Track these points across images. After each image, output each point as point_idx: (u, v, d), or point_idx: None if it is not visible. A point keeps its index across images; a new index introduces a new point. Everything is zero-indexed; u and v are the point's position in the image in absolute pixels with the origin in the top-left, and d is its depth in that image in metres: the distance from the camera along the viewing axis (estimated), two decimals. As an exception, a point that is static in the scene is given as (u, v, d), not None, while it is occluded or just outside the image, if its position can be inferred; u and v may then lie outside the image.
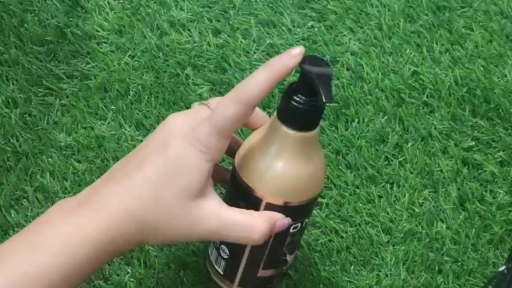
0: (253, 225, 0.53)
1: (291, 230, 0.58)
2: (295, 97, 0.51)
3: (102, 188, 0.53)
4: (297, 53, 0.49)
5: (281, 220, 0.55)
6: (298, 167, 0.54)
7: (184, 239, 0.53)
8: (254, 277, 0.61)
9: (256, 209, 0.55)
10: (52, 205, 0.68)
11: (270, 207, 0.55)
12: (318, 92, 0.49)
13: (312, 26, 0.73)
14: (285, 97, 0.52)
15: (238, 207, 0.55)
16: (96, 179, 0.72)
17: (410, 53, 0.72)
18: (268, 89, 0.50)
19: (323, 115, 0.55)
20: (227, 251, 0.60)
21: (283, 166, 0.54)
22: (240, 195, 0.56)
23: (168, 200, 0.51)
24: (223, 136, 0.51)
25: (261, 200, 0.55)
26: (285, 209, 0.55)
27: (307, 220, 0.59)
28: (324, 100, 0.48)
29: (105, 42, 0.74)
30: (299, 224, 0.58)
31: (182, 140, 0.51)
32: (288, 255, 0.60)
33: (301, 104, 0.51)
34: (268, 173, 0.54)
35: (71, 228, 0.50)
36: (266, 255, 0.59)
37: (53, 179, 0.72)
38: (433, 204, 0.71)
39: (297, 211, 0.56)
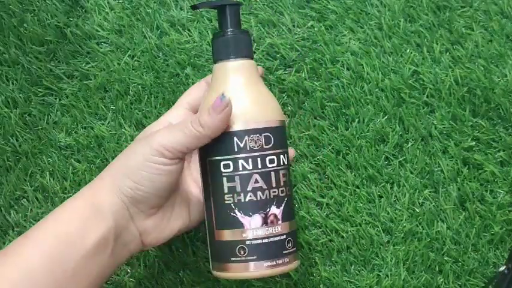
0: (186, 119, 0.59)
1: (222, 170, 0.57)
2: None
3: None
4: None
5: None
6: (239, 94, 0.58)
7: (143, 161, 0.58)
8: (214, 243, 0.58)
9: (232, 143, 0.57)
10: (52, 205, 0.70)
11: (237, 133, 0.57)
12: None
13: (312, 26, 0.73)
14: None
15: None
16: (96, 179, 0.72)
17: (411, 53, 0.72)
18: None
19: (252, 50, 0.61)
20: None
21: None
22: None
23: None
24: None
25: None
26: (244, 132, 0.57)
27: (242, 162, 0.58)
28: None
29: (105, 42, 0.74)
30: (230, 163, 0.57)
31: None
32: (238, 213, 0.57)
33: (215, 36, 0.60)
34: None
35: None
36: (213, 207, 0.58)
37: (53, 179, 0.72)
38: (434, 204, 0.71)
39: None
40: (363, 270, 0.70)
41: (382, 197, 0.71)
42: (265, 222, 0.57)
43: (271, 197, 0.57)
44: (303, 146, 0.71)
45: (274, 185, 0.58)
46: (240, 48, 0.59)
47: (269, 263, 0.57)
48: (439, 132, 0.71)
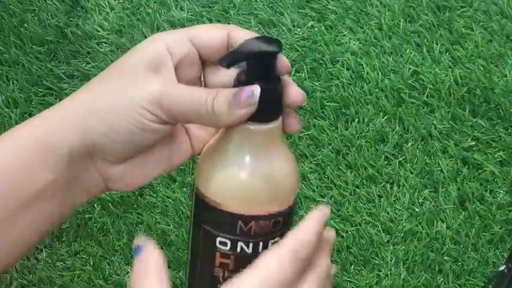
0: (203, 93, 0.40)
1: (217, 245, 0.43)
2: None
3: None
4: None
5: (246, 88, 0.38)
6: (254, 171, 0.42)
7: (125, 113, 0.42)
8: None
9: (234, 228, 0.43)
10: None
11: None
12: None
13: (312, 26, 0.73)
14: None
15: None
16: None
17: (410, 53, 0.72)
18: None
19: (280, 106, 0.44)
20: None
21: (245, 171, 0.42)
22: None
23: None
24: None
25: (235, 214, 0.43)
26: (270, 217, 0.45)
27: (243, 244, 0.46)
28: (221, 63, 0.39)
29: (105, 42, 0.74)
30: (228, 242, 0.44)
31: None
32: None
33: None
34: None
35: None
36: (198, 275, 0.46)
37: (53, 179, 0.72)
38: (433, 204, 0.71)
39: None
40: (362, 269, 0.70)
41: (382, 196, 0.71)
42: None
43: None
44: (303, 146, 0.72)
45: None
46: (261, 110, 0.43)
47: None
48: (439, 132, 0.71)
